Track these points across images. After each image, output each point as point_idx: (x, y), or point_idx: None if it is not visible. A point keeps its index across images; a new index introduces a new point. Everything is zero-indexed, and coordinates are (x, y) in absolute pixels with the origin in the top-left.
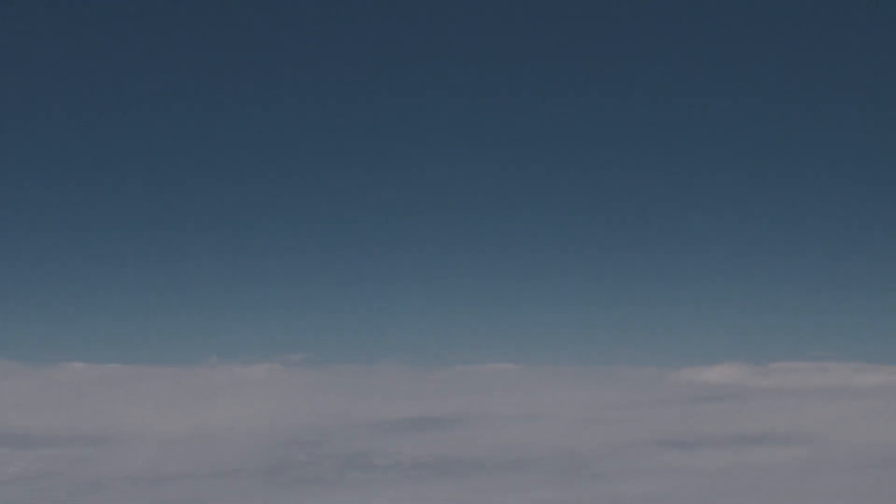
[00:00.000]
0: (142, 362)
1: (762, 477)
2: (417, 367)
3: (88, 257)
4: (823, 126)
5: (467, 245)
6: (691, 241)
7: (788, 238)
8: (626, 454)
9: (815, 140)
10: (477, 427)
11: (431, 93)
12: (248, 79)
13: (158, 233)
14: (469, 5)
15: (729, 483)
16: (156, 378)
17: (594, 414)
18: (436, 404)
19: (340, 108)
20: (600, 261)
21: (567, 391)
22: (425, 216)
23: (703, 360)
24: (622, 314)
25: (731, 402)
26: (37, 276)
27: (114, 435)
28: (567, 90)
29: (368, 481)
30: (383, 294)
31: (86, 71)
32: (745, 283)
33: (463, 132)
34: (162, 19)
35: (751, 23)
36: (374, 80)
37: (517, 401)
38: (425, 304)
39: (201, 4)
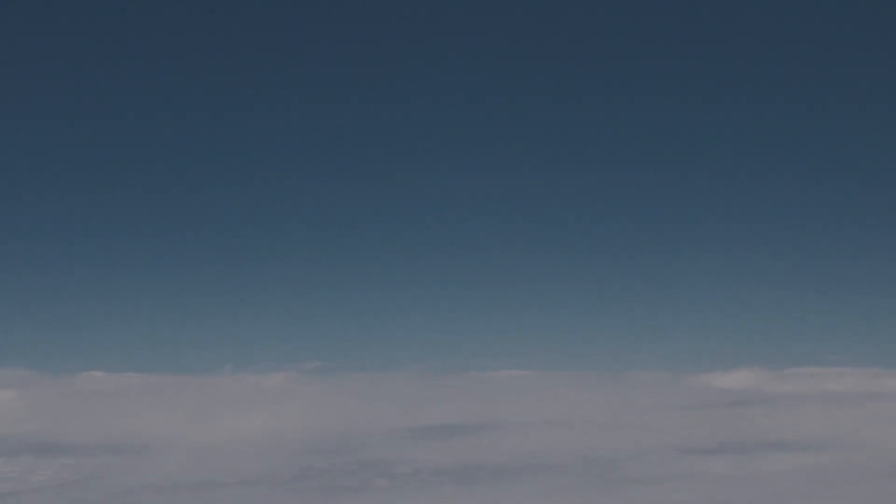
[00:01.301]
0: (158, 371)
1: (783, 483)
2: (431, 374)
3: (104, 267)
4: (842, 128)
5: (480, 252)
6: (706, 245)
7: (804, 242)
8: (648, 460)
9: (835, 142)
10: (496, 433)
11: (440, 98)
12: (261, 85)
13: (170, 242)
14: (470, 7)
15: (751, 490)
16: (174, 387)
17: (612, 419)
18: (453, 411)
19: (352, 115)
20: (614, 266)
21: (583, 397)
22: (438, 224)
23: (718, 365)
24: (636, 319)
25: (749, 408)
26: (55, 286)
27: (136, 443)
28: (581, 93)
29: (390, 489)
30: (396, 302)
31: (114, 81)
32: (760, 287)
33: (477, 137)
34: (166, 20)
35: (753, 22)
36: (384, 84)
37: (534, 407)
38: (438, 311)
39: (205, 7)
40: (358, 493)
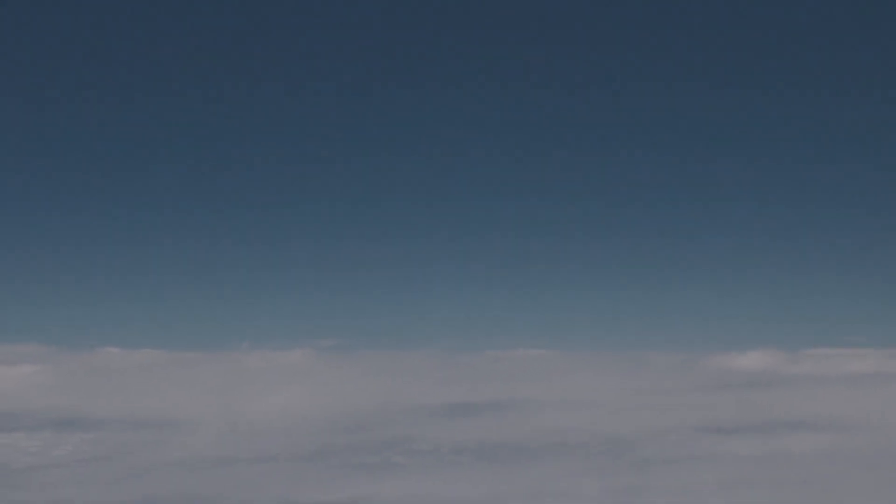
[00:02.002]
0: (175, 348)
1: (805, 464)
2: (448, 353)
3: (121, 244)
4: (860, 109)
5: (497, 231)
6: (723, 226)
7: (821, 223)
8: (668, 440)
9: (852, 123)
10: (515, 412)
11: (461, 80)
12: (279, 62)
13: (185, 218)
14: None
15: (772, 470)
16: (191, 363)
17: (630, 399)
18: (472, 390)
19: (373, 92)
20: (630, 247)
21: (600, 377)
22: (456, 203)
23: (734, 346)
24: (652, 300)
25: (767, 389)
26: (71, 262)
27: (156, 419)
28: (609, 73)
29: (410, 466)
30: (413, 280)
31: (118, 65)
32: (776, 268)
33: (498, 118)
34: (164, 14)
35: (753, 15)
36: (408, 62)
37: (551, 386)
38: (454, 290)
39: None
40: (378, 470)
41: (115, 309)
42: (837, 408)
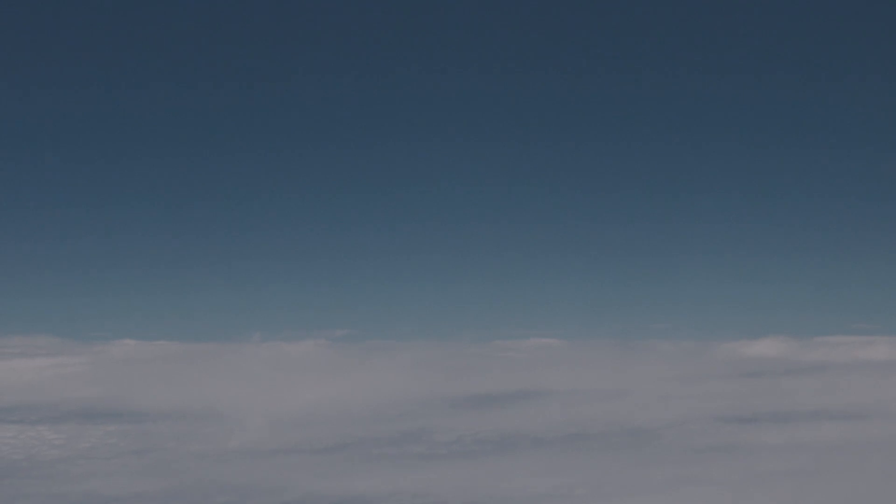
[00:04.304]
0: (188, 339)
1: (826, 453)
2: (458, 342)
3: (132, 235)
4: (868, 96)
5: (506, 219)
6: (730, 213)
7: (829, 209)
8: (687, 429)
9: (859, 112)
10: (531, 402)
11: (467, 69)
12: (281, 54)
13: (194, 209)
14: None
15: (795, 459)
16: (205, 354)
17: (645, 389)
18: (486, 380)
19: (382, 82)
20: (639, 234)
21: (612, 366)
22: (464, 191)
23: (744, 334)
24: (661, 288)
25: (780, 377)
26: (83, 254)
27: (176, 411)
28: (609, 63)
29: (431, 457)
30: (422, 269)
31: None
32: (785, 255)
33: (508, 108)
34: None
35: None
36: (414, 52)
37: (565, 376)
38: (464, 279)
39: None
40: (399, 461)
41: (129, 301)
42: (854, 396)
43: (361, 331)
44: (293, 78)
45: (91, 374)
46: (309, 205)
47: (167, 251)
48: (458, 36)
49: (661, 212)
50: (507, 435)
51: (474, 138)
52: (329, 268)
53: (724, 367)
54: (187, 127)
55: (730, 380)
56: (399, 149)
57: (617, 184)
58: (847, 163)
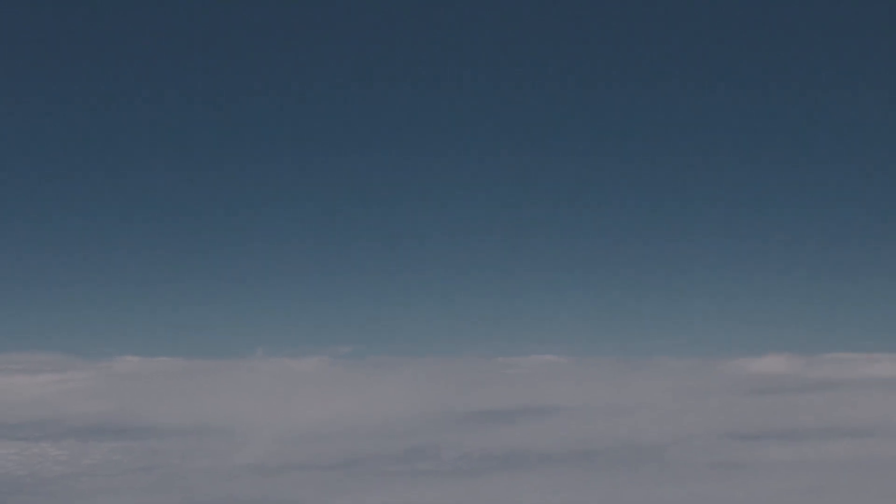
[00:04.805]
0: (191, 355)
1: (834, 470)
2: (459, 358)
3: (134, 251)
4: (875, 112)
5: (509, 235)
6: (733, 229)
7: (834, 225)
8: (695, 446)
9: (865, 128)
10: (537, 419)
11: (465, 85)
12: (283, 66)
13: (195, 224)
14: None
15: (803, 477)
16: (209, 371)
17: (650, 405)
18: (490, 396)
19: (386, 95)
20: (640, 250)
21: (615, 382)
22: (466, 209)
23: (748, 350)
24: (664, 304)
25: (787, 394)
26: (84, 270)
27: (181, 427)
28: (608, 75)
29: (439, 474)
30: (424, 285)
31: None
32: (789, 271)
33: (509, 124)
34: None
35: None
36: (413, 71)
37: (569, 392)
38: (466, 294)
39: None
40: (406, 478)
41: (131, 317)
42: (861, 413)
43: (364, 347)
44: (296, 91)
45: (94, 391)
46: (311, 220)
47: (169, 267)
48: (456, 53)
49: (664, 227)
50: (513, 451)
51: (478, 155)
52: (331, 284)
53: (729, 383)
54: (187, 142)
55: (735, 396)
56: (399, 164)
57: (620, 199)
58: (852, 179)
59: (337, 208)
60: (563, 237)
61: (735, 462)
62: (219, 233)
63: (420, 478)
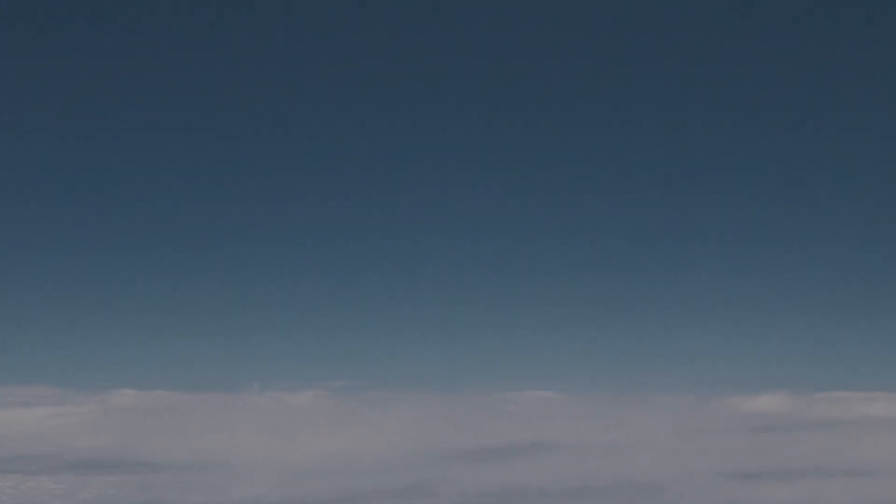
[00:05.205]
0: (187, 389)
1: None
2: (456, 394)
3: (129, 284)
4: (875, 149)
5: (503, 273)
6: (729, 268)
7: (828, 265)
8: (693, 485)
9: (862, 167)
10: (536, 455)
11: (458, 113)
12: (290, 108)
13: (188, 257)
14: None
15: None
16: (205, 404)
17: (648, 443)
18: (486, 433)
19: (384, 125)
20: (636, 288)
21: (612, 419)
22: (463, 244)
23: (743, 389)
24: (657, 341)
25: (783, 433)
26: (80, 303)
27: (178, 461)
28: (601, 110)
29: None
30: (420, 320)
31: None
32: (784, 310)
33: (506, 157)
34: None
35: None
36: (410, 100)
37: (565, 429)
38: (462, 331)
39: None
40: None
41: (127, 350)
42: (857, 452)
43: (360, 382)
44: (296, 126)
45: (91, 425)
46: (308, 256)
47: (166, 301)
48: (450, 90)
49: (661, 265)
50: (510, 488)
51: (472, 191)
52: (327, 318)
53: (725, 421)
54: (182, 176)
55: (731, 435)
56: (393, 200)
57: (616, 239)
58: (848, 222)
59: (334, 246)
60: (560, 275)
61: (734, 501)
62: (215, 268)
63: None
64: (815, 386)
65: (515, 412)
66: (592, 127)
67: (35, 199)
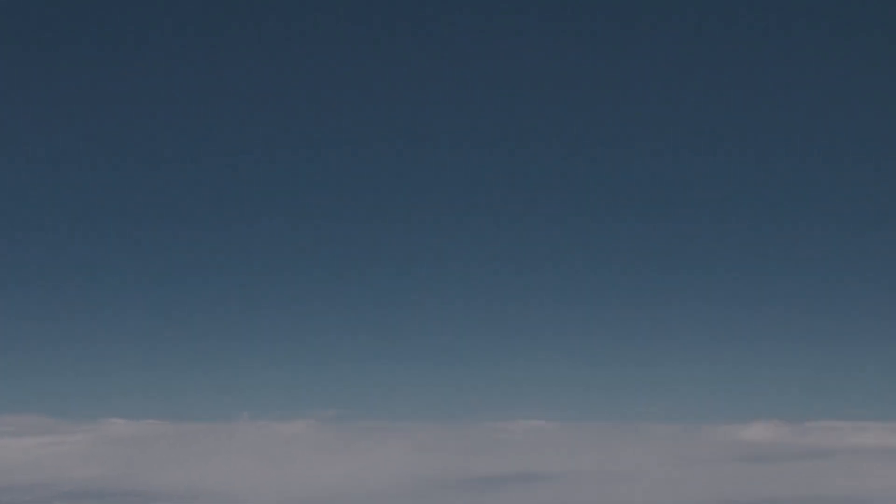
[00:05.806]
0: (177, 418)
1: None
2: (448, 423)
3: (120, 314)
4: (876, 173)
5: (491, 300)
6: (719, 295)
7: (819, 293)
8: None
9: (863, 190)
10: (529, 485)
11: (460, 134)
12: (291, 127)
13: (180, 288)
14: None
15: None
16: (196, 434)
17: (642, 472)
18: (481, 462)
19: (373, 162)
20: (626, 316)
21: (606, 448)
22: (453, 273)
23: (733, 417)
24: (648, 369)
25: (774, 462)
26: (70, 333)
27: (171, 491)
28: (604, 137)
29: None
30: (411, 350)
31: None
32: (775, 339)
33: (504, 183)
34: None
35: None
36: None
37: (561, 458)
38: (452, 359)
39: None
40: None
41: (116, 380)
42: (849, 483)
43: (351, 411)
44: (285, 152)
45: (82, 454)
46: (296, 284)
47: (154, 329)
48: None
49: (650, 293)
50: None
51: (461, 219)
52: (318, 347)
53: (718, 450)
54: (169, 204)
55: (724, 464)
56: (383, 229)
57: (606, 267)
58: (837, 248)
59: (322, 272)
60: (549, 302)
61: None
62: (205, 296)
63: None
64: (805, 415)
65: (507, 441)
66: (589, 147)
67: (20, 226)
